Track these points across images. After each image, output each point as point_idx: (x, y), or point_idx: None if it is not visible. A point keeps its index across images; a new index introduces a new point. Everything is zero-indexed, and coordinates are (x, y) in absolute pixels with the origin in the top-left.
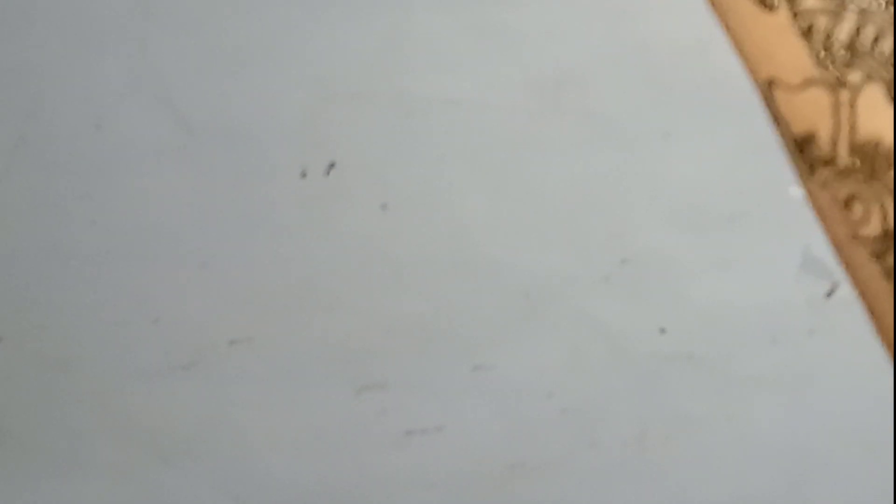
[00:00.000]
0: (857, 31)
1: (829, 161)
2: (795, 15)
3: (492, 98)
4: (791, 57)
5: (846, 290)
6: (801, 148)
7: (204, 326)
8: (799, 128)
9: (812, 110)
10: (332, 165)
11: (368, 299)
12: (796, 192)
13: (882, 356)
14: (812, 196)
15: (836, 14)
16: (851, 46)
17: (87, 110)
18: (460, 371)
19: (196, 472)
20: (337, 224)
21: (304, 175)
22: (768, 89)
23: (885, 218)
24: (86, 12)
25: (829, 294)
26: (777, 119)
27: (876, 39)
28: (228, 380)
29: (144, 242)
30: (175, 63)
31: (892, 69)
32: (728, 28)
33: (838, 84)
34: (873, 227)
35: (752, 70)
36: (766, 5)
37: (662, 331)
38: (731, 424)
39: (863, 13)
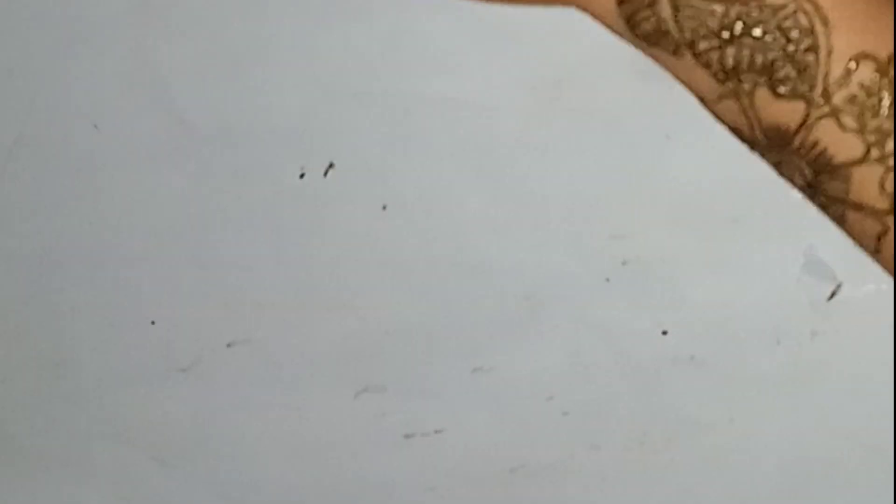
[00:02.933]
0: (738, 54)
1: (754, 143)
2: (696, 56)
3: (492, 98)
4: (703, 83)
5: (849, 292)
6: (736, 136)
7: (202, 328)
8: (727, 125)
9: (730, 113)
10: (331, 166)
11: (368, 301)
12: (799, 193)
13: (884, 358)
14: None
15: (723, 48)
16: (737, 67)
17: (84, 110)
18: (460, 373)
19: (193, 475)
20: (336, 225)
21: (302, 176)
22: (701, 102)
23: (802, 174)
24: (84, 11)
25: (832, 296)
26: (715, 118)
27: (751, 57)
28: (226, 382)
29: (141, 243)
30: (173, 63)
31: (768, 75)
32: (661, 65)
33: (738, 93)
34: (799, 180)
35: (687, 89)
36: (675, 54)
37: (664, 332)
38: (733, 426)
39: (738, 38)
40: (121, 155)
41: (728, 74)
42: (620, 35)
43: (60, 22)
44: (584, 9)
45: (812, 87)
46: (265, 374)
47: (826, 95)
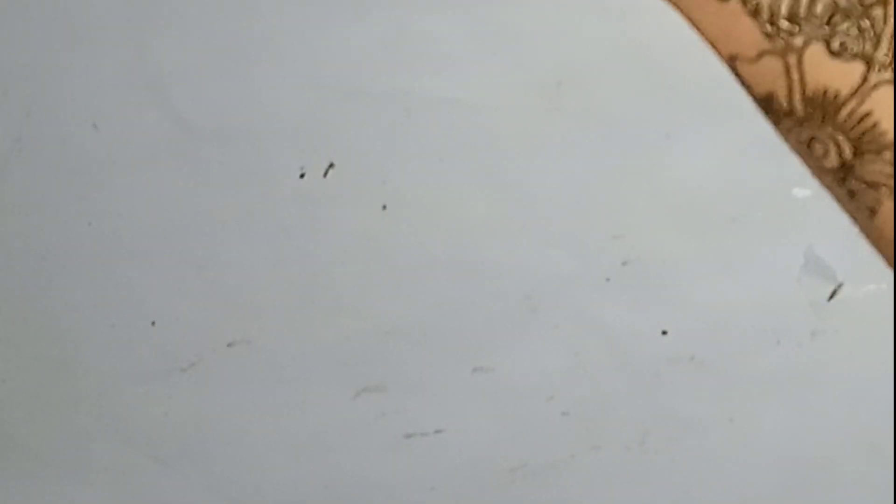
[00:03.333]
0: (794, 1)
1: (789, 113)
2: (744, 1)
3: (492, 98)
4: (745, 35)
5: (849, 292)
6: (765, 106)
7: (202, 328)
8: (760, 91)
9: (768, 75)
10: (330, 166)
11: (368, 300)
12: (800, 192)
13: (884, 358)
14: (784, 138)
15: None
16: (792, 16)
17: (84, 110)
18: (460, 373)
19: (193, 475)
20: (336, 225)
21: (302, 176)
22: (731, 63)
23: (839, 152)
24: (84, 11)
25: (832, 296)
26: (742, 84)
27: (809, 6)
28: (226, 382)
29: (142, 243)
30: (173, 62)
31: (825, 29)
32: (690, 18)
33: (786, 50)
34: (832, 160)
35: (715, 48)
36: None
37: (664, 332)
38: (733, 426)
39: None
40: (121, 155)
41: (778, 26)
42: None
43: (60, 22)
44: None
45: (875, 47)
46: (265, 373)
47: (891, 58)
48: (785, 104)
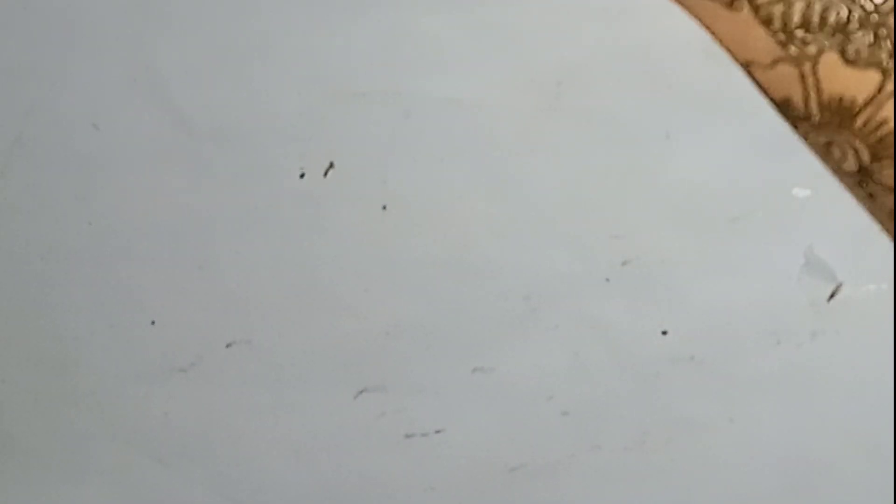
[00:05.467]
0: (807, 9)
1: (806, 118)
2: (756, 10)
3: (492, 98)
4: (759, 43)
5: (849, 292)
6: (782, 111)
7: (202, 328)
8: (777, 96)
9: (784, 81)
10: (330, 166)
11: (368, 301)
12: (800, 192)
13: (884, 358)
14: (803, 140)
15: (789, 2)
16: (805, 25)
17: (84, 110)
18: (460, 373)
19: (194, 475)
20: (336, 225)
21: (302, 176)
22: (747, 68)
23: (857, 156)
24: (84, 11)
25: (832, 296)
26: (759, 88)
27: (822, 14)
28: (226, 382)
29: (142, 243)
30: (174, 63)
31: (839, 37)
32: (704, 25)
33: (800, 58)
34: (850, 164)
35: (731, 55)
36: (730, 7)
37: (664, 333)
38: (732, 426)
39: None
40: (121, 155)
41: (791, 35)
42: None
43: (60, 22)
44: None
45: (891, 56)
46: (265, 373)
47: None
48: (801, 109)
